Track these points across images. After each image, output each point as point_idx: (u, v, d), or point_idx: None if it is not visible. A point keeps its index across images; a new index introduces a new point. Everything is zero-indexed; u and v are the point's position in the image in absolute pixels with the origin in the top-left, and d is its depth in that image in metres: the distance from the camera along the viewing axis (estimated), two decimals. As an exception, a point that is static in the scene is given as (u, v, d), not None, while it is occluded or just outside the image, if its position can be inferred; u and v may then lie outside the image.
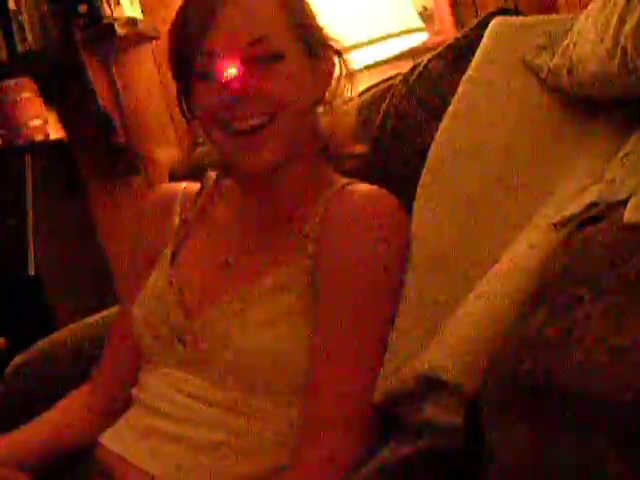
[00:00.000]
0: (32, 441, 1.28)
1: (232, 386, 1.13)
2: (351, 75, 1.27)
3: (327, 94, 1.24)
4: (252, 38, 1.13)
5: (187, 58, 1.15)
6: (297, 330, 1.11)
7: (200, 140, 1.77)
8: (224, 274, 1.22)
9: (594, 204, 0.90)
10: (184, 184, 1.38)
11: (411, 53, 2.39)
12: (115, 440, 1.21)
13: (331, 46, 1.24)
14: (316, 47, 1.20)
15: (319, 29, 1.22)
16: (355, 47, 2.11)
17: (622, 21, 0.94)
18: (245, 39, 1.12)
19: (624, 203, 0.84)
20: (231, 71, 1.11)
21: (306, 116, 1.20)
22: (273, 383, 1.11)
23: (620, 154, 0.97)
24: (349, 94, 1.27)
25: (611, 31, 0.94)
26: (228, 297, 1.16)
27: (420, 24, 2.25)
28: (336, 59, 1.25)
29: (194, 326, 1.17)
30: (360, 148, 1.30)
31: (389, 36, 2.16)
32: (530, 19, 1.33)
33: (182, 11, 1.17)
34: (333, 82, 1.25)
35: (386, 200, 1.17)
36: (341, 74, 1.25)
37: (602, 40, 0.96)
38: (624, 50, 0.91)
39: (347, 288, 1.10)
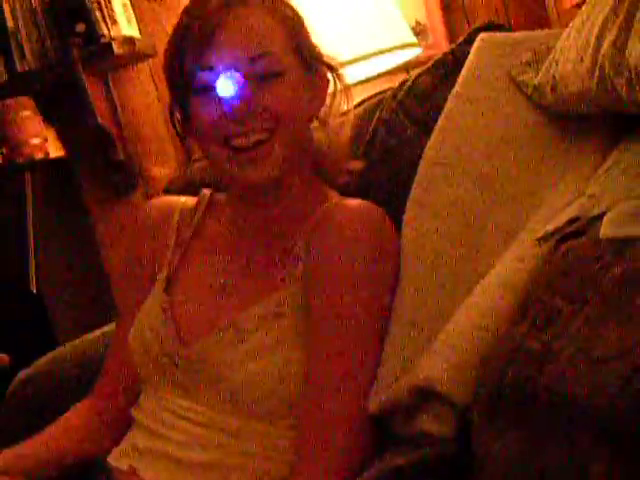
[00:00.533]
0: (36, 454, 1.27)
1: (229, 411, 1.14)
2: (347, 90, 1.28)
3: (322, 110, 1.26)
4: (253, 54, 1.14)
5: (186, 73, 1.15)
6: (292, 355, 1.11)
7: (195, 157, 1.77)
8: (219, 299, 1.22)
9: (575, 219, 0.92)
10: (183, 198, 1.38)
11: (405, 67, 2.42)
12: (123, 459, 1.22)
13: (326, 62, 1.25)
14: (312, 63, 1.22)
15: (315, 46, 1.23)
16: (349, 63, 2.12)
17: (600, 40, 0.96)
18: (246, 55, 1.13)
19: (602, 218, 0.86)
20: (232, 87, 1.11)
21: (303, 131, 1.22)
22: (269, 408, 1.12)
23: (601, 169, 0.99)
24: (345, 108, 1.28)
25: (589, 50, 0.96)
26: (222, 326, 1.16)
27: (413, 39, 2.27)
28: (330, 76, 1.26)
29: (189, 354, 1.18)
30: (355, 164, 1.31)
31: (382, 52, 2.18)
32: (516, 35, 1.34)
33: (181, 25, 1.18)
34: (328, 98, 1.26)
35: (374, 214, 1.17)
36: (336, 90, 1.27)
37: (582, 59, 0.98)
38: (602, 69, 0.93)
39: (338, 305, 1.10)
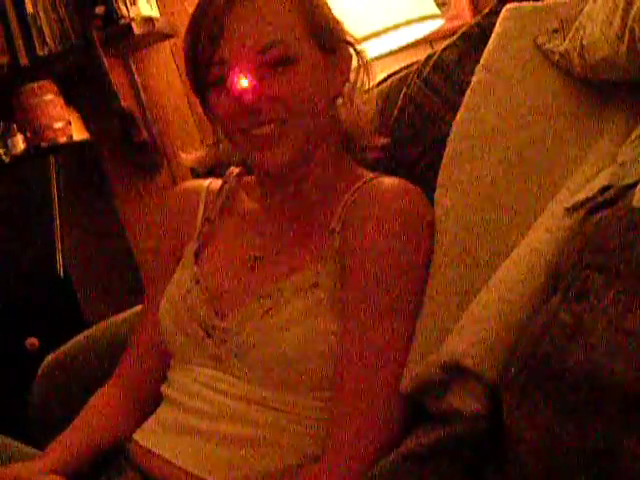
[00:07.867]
0: (77, 447, 1.26)
1: (262, 382, 1.14)
2: (368, 67, 1.27)
3: (346, 87, 1.24)
4: (262, 44, 1.12)
5: (200, 68, 1.16)
6: (327, 327, 1.11)
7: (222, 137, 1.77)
8: (252, 271, 1.23)
9: (606, 188, 0.90)
10: (208, 181, 1.38)
11: (428, 39, 2.39)
12: (148, 437, 1.23)
13: (347, 40, 1.23)
14: (331, 43, 1.20)
15: (334, 24, 1.22)
16: (371, 36, 2.11)
17: (630, 3, 0.93)
18: (255, 46, 1.12)
19: (635, 186, 0.84)
20: (243, 81, 1.11)
21: (324, 113, 1.20)
22: (302, 379, 1.12)
23: (632, 136, 0.97)
24: (367, 85, 1.27)
25: (619, 13, 0.94)
26: (258, 295, 1.17)
27: (436, 11, 2.25)
28: (352, 51, 1.24)
29: (224, 324, 1.18)
30: (382, 140, 1.30)
31: (405, 23, 2.16)
32: (542, 4, 1.31)
33: (194, 21, 1.17)
34: (352, 74, 1.25)
35: (411, 193, 1.16)
36: (359, 66, 1.25)
37: (611, 23, 0.96)
38: (632, 33, 0.90)
39: (373, 282, 1.10)
